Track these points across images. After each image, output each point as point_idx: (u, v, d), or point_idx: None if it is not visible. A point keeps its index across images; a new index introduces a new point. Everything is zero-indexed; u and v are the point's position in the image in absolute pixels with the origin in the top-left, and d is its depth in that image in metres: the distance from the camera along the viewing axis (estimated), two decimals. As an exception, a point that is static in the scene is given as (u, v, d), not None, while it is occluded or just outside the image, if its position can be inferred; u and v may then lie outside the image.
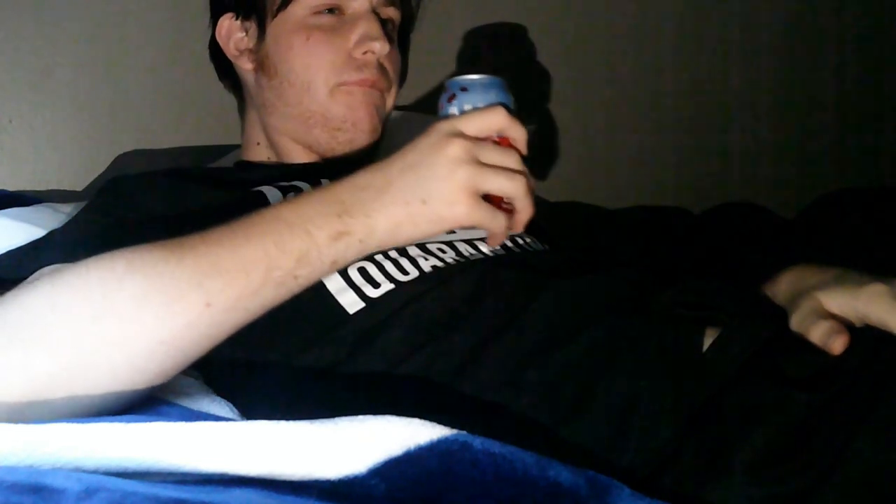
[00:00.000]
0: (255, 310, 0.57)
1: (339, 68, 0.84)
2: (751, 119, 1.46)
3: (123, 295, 0.52)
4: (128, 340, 0.52)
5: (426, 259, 0.69)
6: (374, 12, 0.86)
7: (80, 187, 1.08)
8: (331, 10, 0.85)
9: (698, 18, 1.41)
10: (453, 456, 0.44)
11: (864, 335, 0.58)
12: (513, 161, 0.61)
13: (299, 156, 0.88)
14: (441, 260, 0.70)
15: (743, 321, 0.61)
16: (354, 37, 0.84)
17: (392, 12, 0.90)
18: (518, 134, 0.63)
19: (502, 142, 0.63)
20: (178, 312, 0.53)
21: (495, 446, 0.45)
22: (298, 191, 0.78)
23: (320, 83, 0.84)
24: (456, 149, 0.59)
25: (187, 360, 0.56)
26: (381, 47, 0.83)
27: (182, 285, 0.53)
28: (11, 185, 1.02)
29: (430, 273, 0.68)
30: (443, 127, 0.60)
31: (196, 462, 0.42)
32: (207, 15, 1.00)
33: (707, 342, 0.60)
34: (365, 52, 0.84)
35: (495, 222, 0.61)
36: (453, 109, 0.66)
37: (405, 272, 0.68)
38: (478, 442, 0.45)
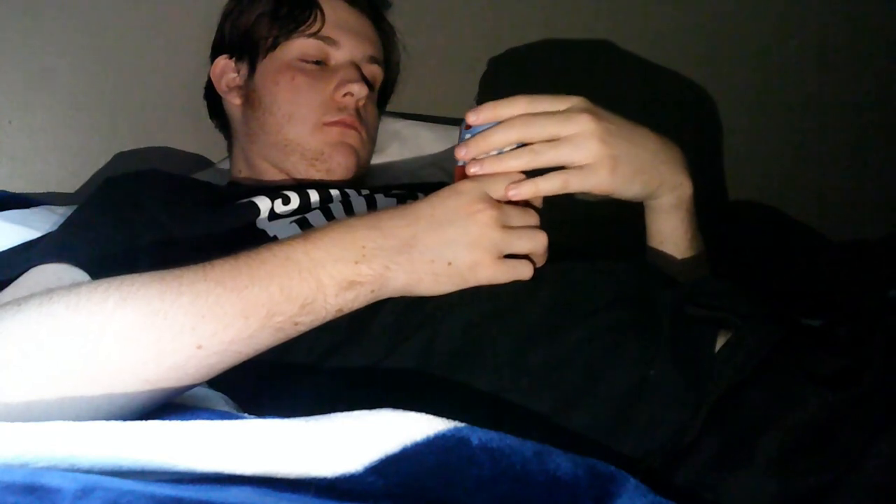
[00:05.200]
0: (248, 353, 0.55)
1: (321, 108, 0.90)
2: (753, 119, 1.45)
3: (111, 332, 0.50)
4: (111, 380, 0.50)
5: None
6: (357, 66, 0.93)
7: (80, 188, 1.08)
8: (317, 62, 0.93)
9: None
10: (450, 452, 0.43)
11: (885, 337, 0.58)
12: (534, 220, 0.66)
13: (279, 179, 0.93)
14: None
15: (755, 322, 0.61)
16: (335, 81, 0.90)
17: (375, 70, 0.97)
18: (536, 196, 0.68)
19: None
20: (167, 354, 0.51)
21: (494, 440, 0.44)
22: (286, 198, 0.80)
23: (302, 118, 0.90)
24: (486, 216, 0.62)
25: (170, 398, 0.54)
26: (359, 89, 0.90)
27: (175, 326, 0.51)
28: (11, 186, 1.02)
29: None
30: (472, 189, 0.64)
31: (192, 460, 0.42)
32: (207, 17, 1.01)
33: (718, 343, 0.60)
34: (344, 95, 0.90)
35: (518, 275, 0.64)
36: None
37: None
38: (476, 437, 0.44)
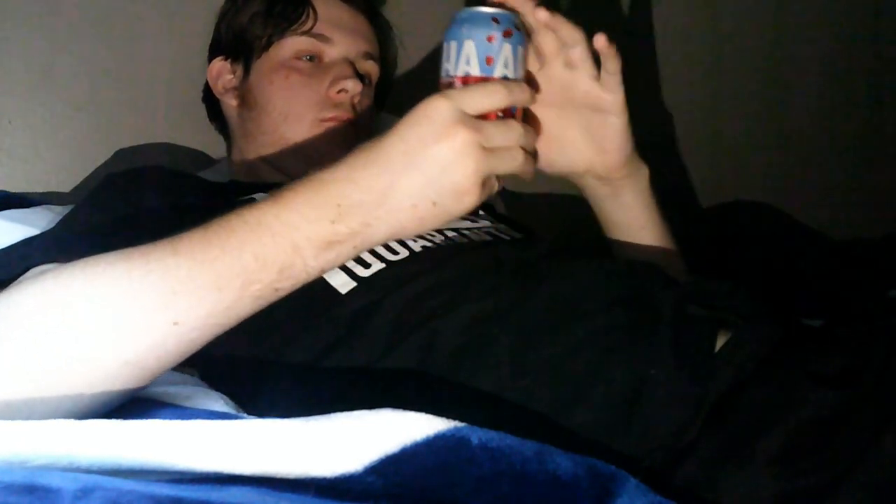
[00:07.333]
0: (229, 324, 0.54)
1: (316, 106, 0.89)
2: (750, 115, 1.45)
3: (81, 315, 0.49)
4: (88, 362, 0.49)
5: (415, 240, 0.70)
6: (351, 63, 0.92)
7: (79, 185, 1.08)
8: (311, 58, 0.92)
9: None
10: (450, 452, 0.43)
11: (885, 337, 0.58)
12: (515, 135, 0.59)
13: (278, 178, 0.91)
14: (430, 241, 0.70)
15: (756, 322, 0.61)
16: (329, 78, 0.90)
17: (370, 67, 0.96)
18: (521, 101, 0.62)
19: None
20: (142, 332, 0.50)
21: (493, 440, 0.44)
22: None
23: (298, 116, 0.89)
24: (462, 141, 0.55)
25: (155, 376, 0.53)
26: (353, 85, 0.89)
27: (147, 304, 0.50)
28: (11, 186, 1.01)
29: (420, 253, 0.69)
30: (443, 109, 0.56)
31: (192, 460, 0.42)
32: (208, 13, 1.01)
33: (718, 343, 0.60)
34: (339, 91, 0.90)
35: (494, 192, 0.60)
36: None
37: (395, 252, 0.68)
38: (475, 436, 0.44)
